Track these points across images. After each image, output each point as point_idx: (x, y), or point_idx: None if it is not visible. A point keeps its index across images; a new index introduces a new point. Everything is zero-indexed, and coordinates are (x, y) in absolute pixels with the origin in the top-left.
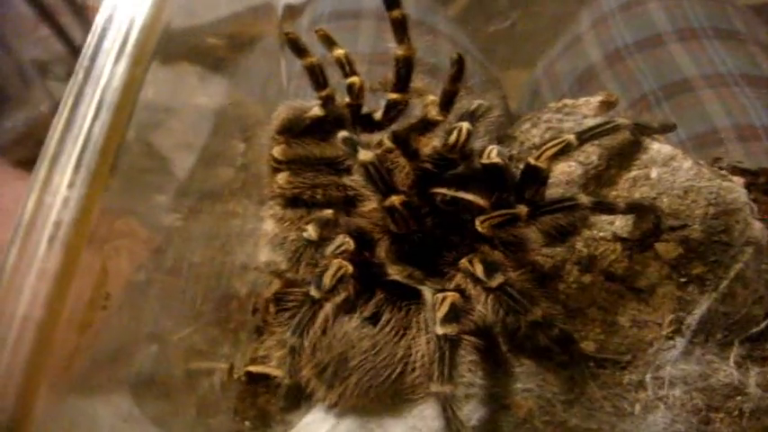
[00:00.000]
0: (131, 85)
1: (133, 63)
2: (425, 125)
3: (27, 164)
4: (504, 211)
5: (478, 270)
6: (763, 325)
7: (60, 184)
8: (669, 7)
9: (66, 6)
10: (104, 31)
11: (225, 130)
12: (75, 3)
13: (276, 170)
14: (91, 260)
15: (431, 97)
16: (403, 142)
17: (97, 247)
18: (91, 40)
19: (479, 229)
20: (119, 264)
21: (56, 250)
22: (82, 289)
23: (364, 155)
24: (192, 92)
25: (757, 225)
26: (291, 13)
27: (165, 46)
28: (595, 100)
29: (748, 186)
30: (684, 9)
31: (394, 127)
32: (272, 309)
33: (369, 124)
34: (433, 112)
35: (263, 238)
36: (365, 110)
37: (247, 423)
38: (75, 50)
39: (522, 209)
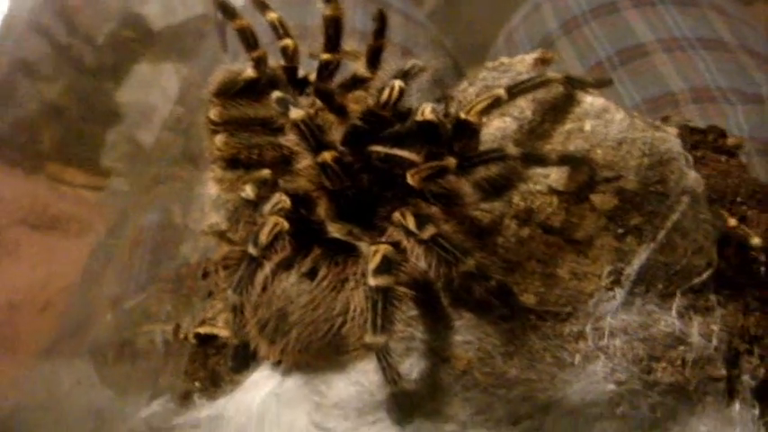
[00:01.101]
0: None
1: None
2: (354, 82)
3: (15, 163)
4: (432, 163)
5: (410, 222)
6: (705, 275)
7: None
8: None
9: (50, 6)
10: None
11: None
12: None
13: (214, 132)
14: None
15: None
16: (325, 96)
17: None
18: None
19: (410, 182)
20: (69, 246)
21: None
22: None
23: (295, 113)
24: (167, 85)
25: (692, 175)
26: None
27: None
28: (530, 57)
29: (698, 144)
30: None
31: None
32: (221, 272)
33: (305, 87)
34: (361, 70)
35: (207, 201)
36: (302, 73)
37: (197, 384)
38: (60, 50)
39: (451, 160)
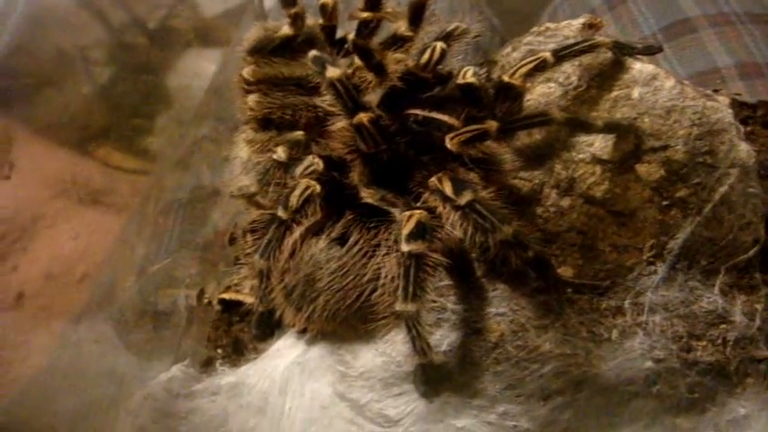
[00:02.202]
0: None
1: None
2: (395, 41)
3: (70, 145)
4: (473, 126)
5: (447, 188)
6: (751, 252)
7: None
8: None
9: None
10: None
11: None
12: None
13: (247, 92)
14: None
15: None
16: (364, 52)
17: None
18: None
19: (449, 146)
20: (111, 220)
21: None
22: None
23: (332, 71)
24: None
25: (743, 146)
26: None
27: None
28: (577, 22)
29: (747, 119)
30: None
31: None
32: (249, 238)
33: (343, 47)
34: (403, 28)
35: (238, 163)
36: (340, 34)
37: (220, 351)
38: (114, 35)
39: (492, 124)
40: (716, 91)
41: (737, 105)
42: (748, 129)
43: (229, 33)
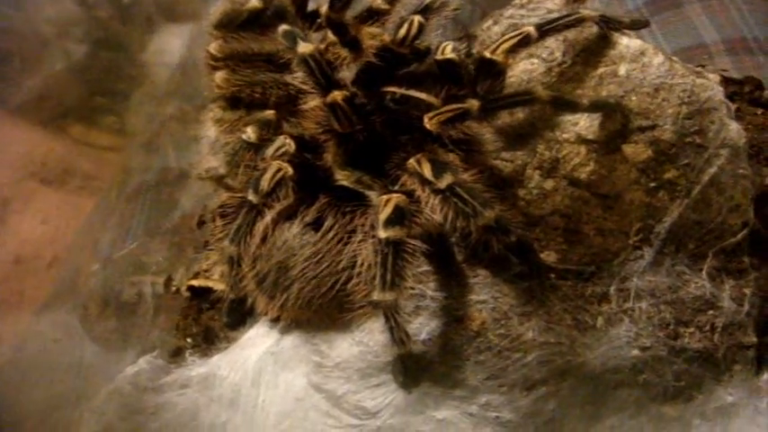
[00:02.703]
0: None
1: None
2: (370, 15)
3: (38, 122)
4: (453, 106)
5: (426, 170)
6: (740, 236)
7: None
8: None
9: None
10: None
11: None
12: None
13: (214, 68)
14: None
15: None
16: (338, 26)
17: None
18: None
19: (428, 126)
20: (82, 202)
21: None
22: None
23: (304, 47)
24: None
25: (734, 126)
26: None
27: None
28: None
29: (733, 96)
30: None
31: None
32: (218, 222)
33: (315, 21)
34: (378, 1)
35: (205, 144)
36: (312, 7)
37: (189, 340)
38: (88, 10)
39: (474, 103)
40: (703, 67)
41: (723, 81)
42: (734, 106)
43: (197, 7)
